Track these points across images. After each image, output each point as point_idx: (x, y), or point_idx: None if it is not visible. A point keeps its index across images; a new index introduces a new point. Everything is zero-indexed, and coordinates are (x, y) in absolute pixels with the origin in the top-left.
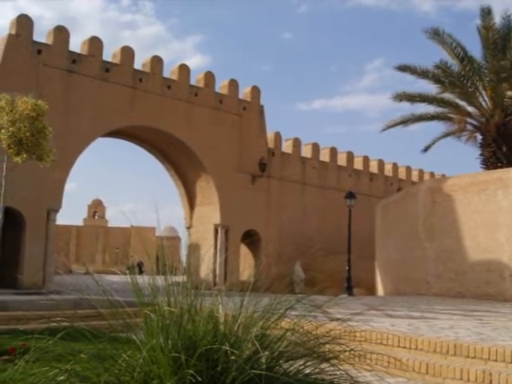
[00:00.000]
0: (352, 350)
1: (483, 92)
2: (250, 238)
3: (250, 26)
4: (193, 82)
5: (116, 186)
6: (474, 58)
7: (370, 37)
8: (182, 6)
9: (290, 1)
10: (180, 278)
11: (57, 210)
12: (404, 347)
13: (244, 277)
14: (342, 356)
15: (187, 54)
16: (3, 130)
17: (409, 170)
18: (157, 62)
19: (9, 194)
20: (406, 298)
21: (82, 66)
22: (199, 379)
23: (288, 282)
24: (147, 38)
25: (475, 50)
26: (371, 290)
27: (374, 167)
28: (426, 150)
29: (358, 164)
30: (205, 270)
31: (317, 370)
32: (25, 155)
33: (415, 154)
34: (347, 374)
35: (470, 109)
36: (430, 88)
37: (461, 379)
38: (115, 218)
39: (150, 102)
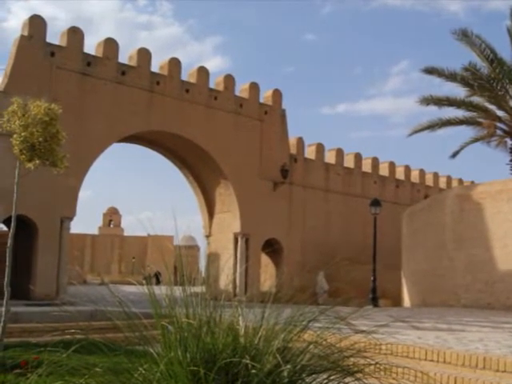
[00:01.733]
0: (377, 363)
1: None
2: (272, 247)
3: (272, 27)
4: (212, 85)
5: (132, 194)
6: (503, 60)
7: (395, 38)
8: (201, 6)
9: (314, 1)
10: (199, 289)
11: (71, 218)
12: (431, 360)
13: (265, 287)
14: (367, 370)
15: (206, 56)
16: (15, 135)
17: (436, 176)
18: (175, 64)
19: (21, 201)
20: (433, 309)
21: (97, 69)
22: None
23: (311, 292)
24: (165, 40)
25: (505, 51)
26: (397, 301)
27: (400, 173)
28: (454, 155)
29: (384, 170)
30: (224, 281)
31: None
32: (37, 161)
33: (443, 160)
34: None
35: (499, 113)
36: (458, 91)
37: None
38: (131, 226)
39: (168, 106)
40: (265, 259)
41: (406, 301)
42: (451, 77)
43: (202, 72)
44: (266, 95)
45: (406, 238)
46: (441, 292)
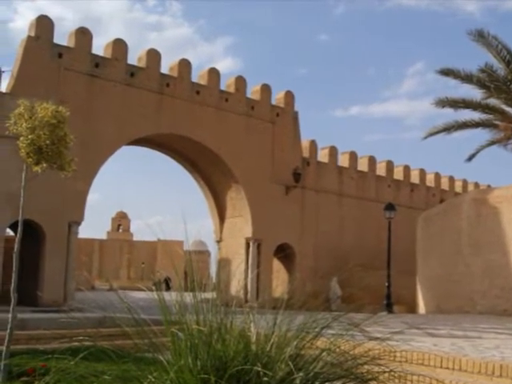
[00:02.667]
0: (392, 370)
1: None
2: (284, 253)
3: (284, 28)
4: (223, 86)
5: (141, 197)
6: None
7: (410, 38)
8: (212, 6)
9: (327, 1)
10: (209, 295)
11: (79, 223)
12: (447, 368)
13: (277, 293)
14: (381, 377)
15: (217, 57)
16: (22, 138)
17: (452, 180)
18: (185, 65)
19: (28, 205)
20: (448, 316)
21: (106, 70)
22: None
23: (324, 298)
24: (174, 40)
25: None
26: (412, 308)
27: (415, 177)
28: (470, 159)
29: (398, 174)
30: (235, 287)
31: None
32: (45, 164)
33: (459, 164)
34: None
35: None
36: (474, 93)
37: None
38: (141, 231)
39: (178, 108)
40: (277, 264)
41: (421, 307)
42: (467, 78)
43: (213, 73)
44: (277, 97)
45: (421, 243)
46: (456, 298)
